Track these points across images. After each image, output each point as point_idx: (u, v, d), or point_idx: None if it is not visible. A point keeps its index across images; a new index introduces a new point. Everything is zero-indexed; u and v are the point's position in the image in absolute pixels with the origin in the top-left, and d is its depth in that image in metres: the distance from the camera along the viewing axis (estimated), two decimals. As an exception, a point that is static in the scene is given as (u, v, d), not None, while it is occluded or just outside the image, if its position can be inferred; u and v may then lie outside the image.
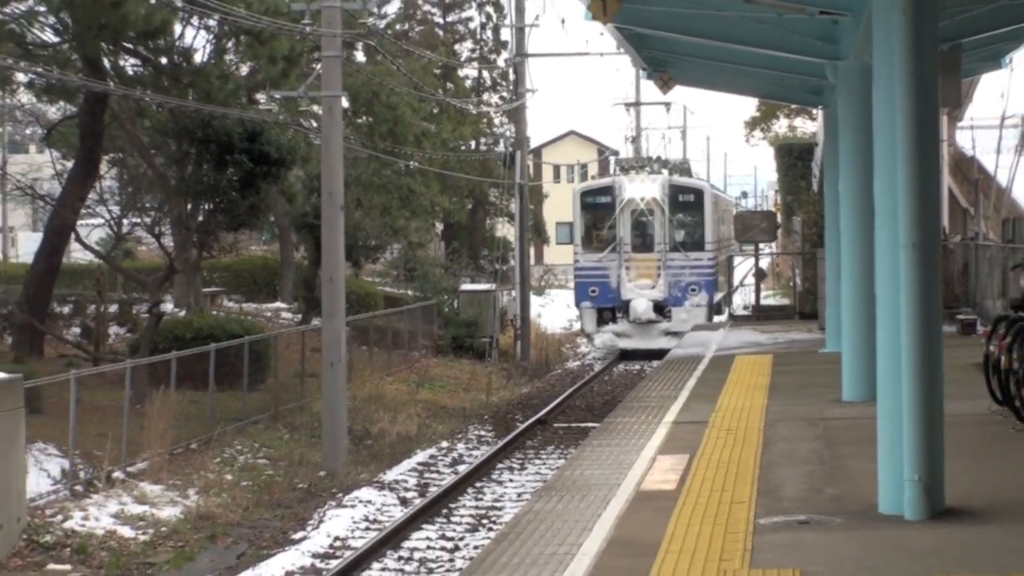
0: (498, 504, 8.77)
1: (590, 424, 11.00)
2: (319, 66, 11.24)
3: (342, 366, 10.54)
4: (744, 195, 45.57)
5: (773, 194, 35.99)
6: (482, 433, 12.19)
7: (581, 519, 4.69)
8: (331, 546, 7.59)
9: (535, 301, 21.58)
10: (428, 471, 10.09)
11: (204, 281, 16.53)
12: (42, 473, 8.16)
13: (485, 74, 25.66)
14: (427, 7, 25.92)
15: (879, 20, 4.73)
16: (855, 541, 4.16)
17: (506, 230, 23.57)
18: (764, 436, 6.35)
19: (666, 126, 28.95)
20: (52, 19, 11.53)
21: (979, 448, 5.76)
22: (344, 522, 8.15)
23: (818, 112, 15.77)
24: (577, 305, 17.67)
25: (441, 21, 25.98)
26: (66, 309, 15.36)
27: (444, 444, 11.39)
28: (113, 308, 14.98)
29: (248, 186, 11.86)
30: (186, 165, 12.13)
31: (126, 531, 7.64)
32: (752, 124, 27.15)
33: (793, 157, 17.94)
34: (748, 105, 35.53)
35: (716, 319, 16.83)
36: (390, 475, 9.75)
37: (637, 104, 26.37)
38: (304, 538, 7.77)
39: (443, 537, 7.82)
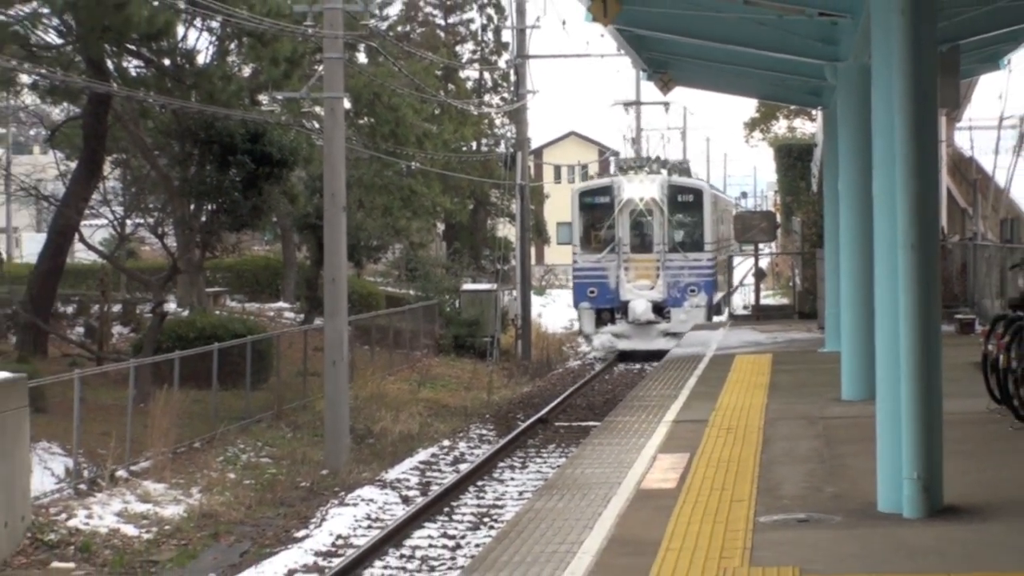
0: (499, 502, 8.80)
1: (591, 423, 11.02)
2: (321, 67, 11.27)
3: (344, 365, 10.58)
4: (744, 195, 45.60)
5: (772, 194, 36.00)
6: (483, 432, 12.22)
7: (582, 517, 4.71)
8: (333, 544, 7.62)
9: (536, 301, 21.61)
10: (430, 470, 10.12)
11: (207, 281, 16.58)
12: (46, 472, 8.20)
13: (486, 75, 25.71)
14: (428, 9, 25.96)
15: (878, 21, 4.76)
16: (854, 539, 4.18)
17: (507, 230, 23.62)
18: (764, 435, 6.38)
19: (666, 127, 28.98)
20: (56, 21, 11.56)
21: (978, 447, 5.79)
22: (346, 520, 8.18)
23: (817, 113, 15.79)
24: (575, 306, 17.61)
25: (442, 23, 26.02)
26: (70, 309, 15.39)
27: (446, 443, 11.42)
28: (117, 308, 15.03)
29: (251, 187, 11.89)
30: (189, 166, 12.15)
31: (130, 529, 7.67)
32: (752, 125, 27.18)
33: (792, 158, 17.93)
34: (748, 106, 35.64)
35: (715, 319, 16.78)
36: (392, 474, 9.78)
37: (637, 104, 26.38)
38: (306, 536, 7.79)
39: (445, 535, 7.85)
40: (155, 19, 10.58)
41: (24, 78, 12.29)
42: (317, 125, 13.85)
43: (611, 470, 5.64)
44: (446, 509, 8.57)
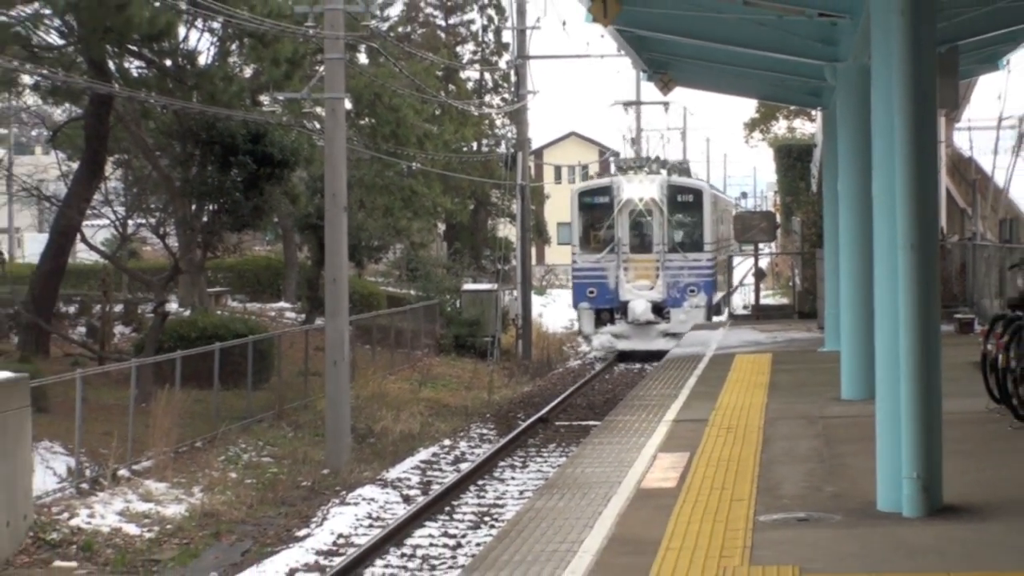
0: (500, 502, 8.82)
1: (591, 422, 11.04)
2: (322, 68, 11.29)
3: (345, 365, 10.59)
4: (744, 196, 45.61)
5: (772, 195, 36.03)
6: (484, 431, 12.24)
7: (582, 517, 4.72)
8: (334, 543, 7.64)
9: (536, 301, 21.62)
10: (431, 469, 10.14)
11: (208, 281, 16.58)
12: (48, 471, 8.21)
13: (487, 76, 25.73)
14: (429, 10, 25.97)
15: (877, 22, 4.77)
16: (854, 538, 4.19)
17: (508, 230, 23.64)
18: (764, 434, 6.39)
19: (665, 127, 29.00)
20: (57, 22, 11.59)
21: (977, 446, 5.80)
22: (347, 519, 8.20)
23: (817, 113, 15.80)
24: (575, 306, 17.55)
25: (443, 23, 26.04)
26: (72, 309, 15.39)
27: (446, 442, 11.44)
28: (118, 308, 15.06)
29: (252, 187, 11.92)
30: (190, 166, 12.17)
31: (131, 528, 7.68)
32: (751, 125, 27.20)
33: (792, 158, 17.92)
34: (748, 106, 35.62)
35: (715, 319, 16.74)
36: (393, 473, 9.80)
37: (637, 104, 26.37)
38: (308, 535, 7.82)
39: (445, 534, 7.87)
40: (156, 20, 10.60)
41: (26, 79, 12.33)
42: (318, 126, 13.86)
43: (611, 469, 5.65)
44: (447, 508, 8.59)
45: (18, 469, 7.09)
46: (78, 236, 12.52)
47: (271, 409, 11.53)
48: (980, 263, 12.17)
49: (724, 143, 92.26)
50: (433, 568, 7.10)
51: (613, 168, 18.87)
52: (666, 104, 24.75)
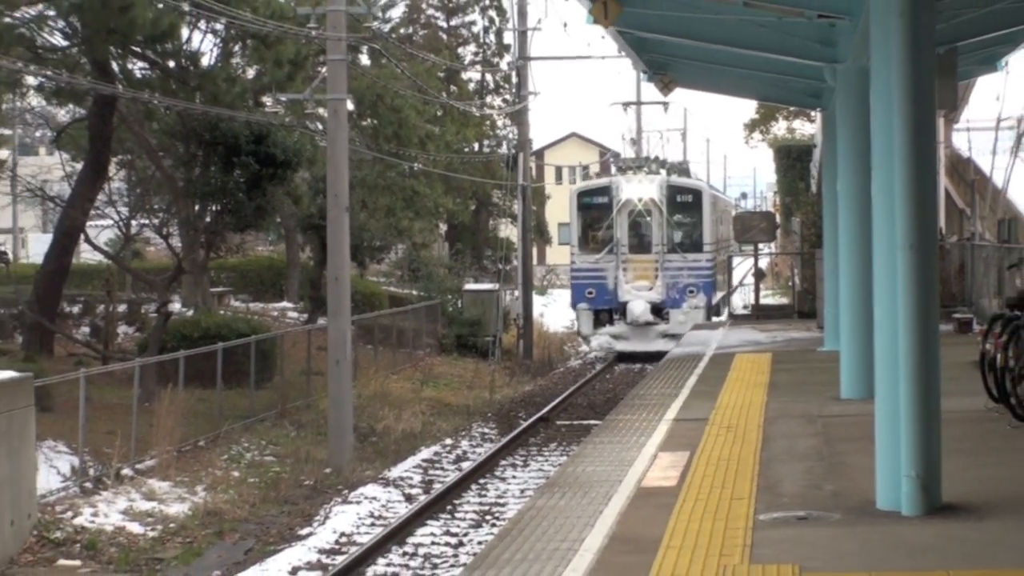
0: (501, 500, 8.85)
1: (592, 421, 11.05)
2: (324, 69, 11.33)
3: (347, 364, 10.63)
4: (743, 196, 45.61)
5: (772, 195, 36.04)
6: (485, 430, 12.28)
7: (583, 515, 4.74)
8: (337, 542, 7.67)
9: (537, 301, 21.63)
10: (432, 468, 10.17)
11: (211, 281, 16.61)
12: (52, 470, 8.24)
13: (488, 77, 25.76)
14: (431, 11, 26.01)
15: (877, 23, 4.78)
16: (853, 537, 4.20)
17: (509, 231, 23.63)
18: (763, 433, 6.41)
19: (665, 127, 29.02)
20: (61, 23, 11.63)
21: (976, 445, 5.81)
22: (350, 518, 8.23)
23: (816, 114, 15.83)
24: (573, 307, 17.43)
25: (445, 25, 26.08)
26: (76, 309, 15.40)
27: (448, 441, 11.47)
28: (122, 308, 15.07)
29: (255, 188, 11.95)
30: (194, 167, 12.21)
31: (135, 527, 7.72)
32: (751, 126, 27.23)
33: (792, 159, 17.89)
34: (747, 107, 35.59)
35: (715, 320, 16.71)
36: (395, 472, 9.83)
37: (638, 104, 26.38)
38: (310, 534, 7.85)
39: (447, 533, 7.90)
40: (160, 21, 10.64)
41: (30, 80, 12.35)
42: (320, 126, 13.92)
43: (612, 468, 5.67)
44: (449, 507, 8.62)
45: (22, 468, 7.13)
46: (82, 236, 12.58)
47: (274, 408, 11.56)
48: (979, 263, 12.18)
49: (724, 144, 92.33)
50: (435, 566, 7.13)
51: (613, 169, 18.83)
52: (665, 104, 24.77)
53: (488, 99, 25.48)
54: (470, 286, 19.35)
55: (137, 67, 12.51)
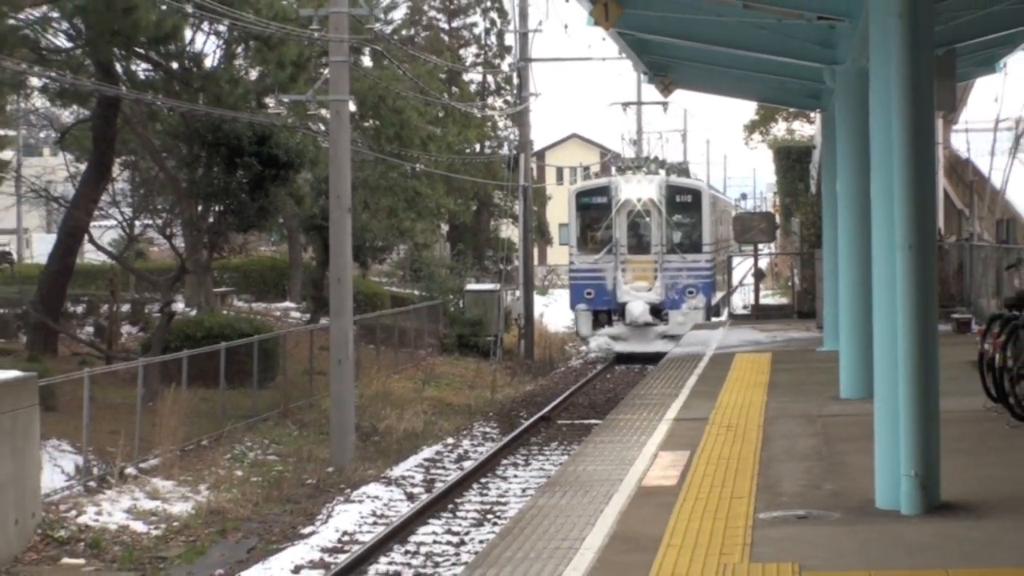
0: (503, 499, 8.88)
1: (593, 421, 11.10)
2: (327, 71, 11.36)
3: (350, 364, 10.66)
4: (743, 197, 45.60)
5: (772, 196, 36.07)
6: (487, 430, 12.31)
7: (584, 514, 4.76)
8: (339, 540, 7.71)
9: (538, 301, 21.65)
10: (434, 467, 10.20)
11: (214, 281, 16.63)
12: (56, 469, 8.27)
13: (489, 78, 25.79)
14: (433, 13, 26.05)
15: (876, 25, 4.80)
16: (853, 535, 4.22)
17: (510, 231, 23.69)
18: (763, 433, 6.43)
19: (665, 128, 29.02)
20: (65, 25, 11.68)
21: (974, 444, 5.82)
22: (352, 517, 8.26)
23: (816, 115, 15.88)
24: (572, 307, 17.32)
25: (446, 27, 26.12)
26: (80, 309, 15.44)
27: (450, 440, 11.50)
28: (126, 308, 15.08)
29: (257, 188, 12.00)
30: (197, 168, 12.25)
31: (138, 526, 7.75)
32: (751, 127, 27.26)
33: (791, 159, 17.88)
34: (747, 108, 35.60)
35: (714, 321, 16.69)
36: (397, 471, 9.86)
37: (638, 104, 26.41)
38: (313, 533, 7.88)
39: (449, 532, 7.93)
40: (163, 23, 10.68)
41: (34, 81, 12.39)
42: (323, 127, 13.94)
43: (613, 467, 5.69)
44: (450, 506, 8.65)
45: (27, 467, 7.15)
46: (86, 237, 12.67)
47: (276, 408, 11.60)
48: (977, 263, 12.19)
49: (724, 145, 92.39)
50: (437, 565, 7.16)
51: (613, 169, 18.85)
52: (665, 104, 24.75)
53: (489, 100, 25.54)
54: (471, 286, 19.38)
55: (141, 68, 12.57)
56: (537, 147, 26.46)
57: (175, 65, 12.26)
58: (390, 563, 7.20)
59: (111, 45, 11.18)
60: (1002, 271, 10.28)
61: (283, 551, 7.43)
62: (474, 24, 26.05)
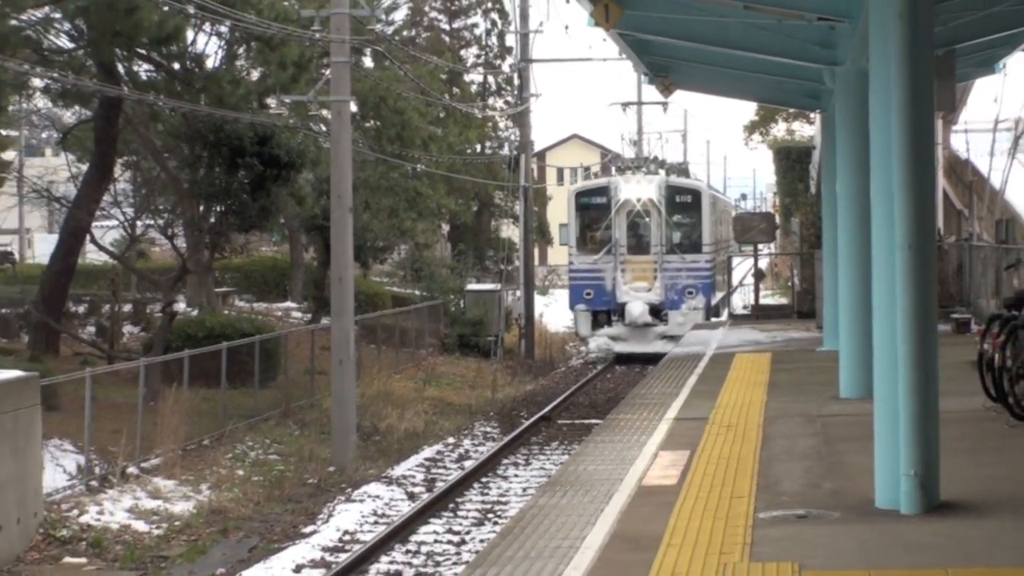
0: (503, 499, 8.90)
1: (593, 421, 11.11)
2: (328, 71, 11.38)
3: (351, 364, 10.68)
4: (743, 197, 45.63)
5: (772, 196, 36.09)
6: (488, 429, 12.32)
7: (584, 513, 4.77)
8: (340, 540, 7.73)
9: (539, 301, 21.68)
10: (435, 466, 10.22)
11: (216, 281, 16.66)
12: (58, 469, 8.29)
13: (490, 79, 25.82)
14: (434, 14, 26.08)
15: (876, 26, 4.82)
16: (852, 535, 4.23)
17: (511, 231, 23.72)
18: (763, 432, 6.44)
19: (665, 129, 29.02)
20: (67, 26, 11.70)
21: (974, 444, 5.84)
22: (353, 516, 8.28)
23: (816, 116, 15.87)
24: (571, 308, 17.27)
25: (447, 27, 26.15)
26: (81, 309, 15.48)
27: (451, 440, 11.52)
28: (127, 308, 15.12)
29: (259, 189, 12.02)
30: (198, 168, 12.27)
31: (140, 525, 7.77)
32: (751, 128, 27.28)
33: (791, 160, 17.87)
34: (747, 109, 35.65)
35: (714, 321, 16.66)
36: (398, 470, 9.88)
37: (639, 105, 26.42)
38: (314, 532, 7.90)
39: (450, 531, 7.95)
40: (165, 24, 10.70)
41: (36, 82, 12.42)
42: (324, 128, 13.97)
43: (613, 467, 5.71)
44: (451, 505, 8.67)
45: (29, 467, 7.17)
46: (88, 237, 12.66)
47: (278, 407, 11.62)
48: (976, 263, 12.20)
49: (724, 145, 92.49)
50: (438, 564, 7.17)
51: (612, 169, 18.86)
52: (665, 104, 24.76)
53: (490, 101, 25.56)
54: (472, 286, 19.39)
55: (142, 69, 12.58)
56: (538, 147, 26.51)
57: (177, 66, 12.29)
58: (391, 562, 7.21)
59: (113, 46, 11.21)
60: (1001, 271, 10.29)
61: (284, 550, 7.45)
62: (475, 25, 26.11)
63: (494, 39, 25.79)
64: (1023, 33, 8.00)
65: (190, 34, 12.14)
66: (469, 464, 10.08)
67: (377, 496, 8.91)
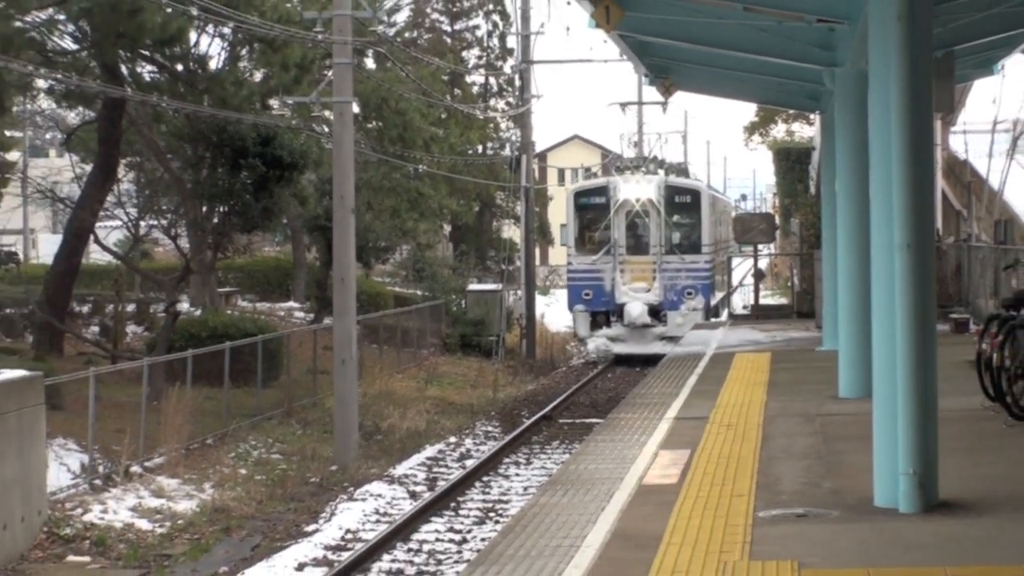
0: (505, 498, 8.93)
1: (594, 420, 11.13)
2: (330, 72, 11.40)
3: (353, 363, 10.70)
4: (743, 198, 45.64)
5: (771, 197, 36.10)
6: (489, 429, 12.35)
7: (585, 512, 4.79)
8: (342, 538, 7.75)
9: (540, 301, 21.70)
10: (437, 465, 10.25)
11: (219, 281, 16.75)
12: (62, 468, 8.31)
13: (492, 80, 25.86)
14: (435, 15, 26.13)
15: (875, 27, 4.84)
16: (851, 533, 4.25)
17: (512, 232, 23.74)
18: (763, 432, 6.47)
19: (665, 129, 29.01)
20: (71, 27, 11.74)
21: (972, 443, 5.86)
22: (355, 515, 8.31)
23: (815, 117, 15.86)
24: (570, 308, 17.15)
25: (449, 29, 26.18)
26: (85, 308, 15.50)
27: (452, 439, 11.55)
28: (131, 307, 15.20)
29: (261, 189, 12.06)
30: (201, 169, 12.31)
31: (143, 524, 7.80)
32: (751, 129, 27.30)
33: (791, 161, 17.82)
34: (747, 110, 35.71)
35: (714, 321, 16.61)
36: (400, 469, 9.91)
37: (639, 105, 26.44)
38: (316, 531, 7.93)
39: (451, 529, 7.98)
40: (168, 25, 10.74)
41: (40, 83, 12.50)
42: (326, 129, 14.02)
43: (614, 466, 5.74)
44: (453, 504, 8.70)
45: (33, 466, 7.20)
46: (91, 237, 12.65)
47: (280, 407, 11.64)
48: (975, 264, 12.20)
49: (724, 146, 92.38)
50: (439, 563, 7.20)
51: (612, 169, 18.85)
52: (664, 104, 24.75)
53: (491, 102, 25.60)
54: (474, 286, 19.40)
55: (146, 70, 12.61)
56: (539, 148, 26.56)
57: (180, 67, 12.31)
58: (393, 561, 7.24)
59: (116, 47, 11.24)
60: (1000, 271, 10.31)
61: (287, 549, 7.48)
62: (476, 27, 26.15)
63: (495, 41, 25.86)
64: (1021, 35, 8.03)
65: (193, 36, 12.19)
66: (471, 463, 10.12)
67: (379, 495, 8.94)
